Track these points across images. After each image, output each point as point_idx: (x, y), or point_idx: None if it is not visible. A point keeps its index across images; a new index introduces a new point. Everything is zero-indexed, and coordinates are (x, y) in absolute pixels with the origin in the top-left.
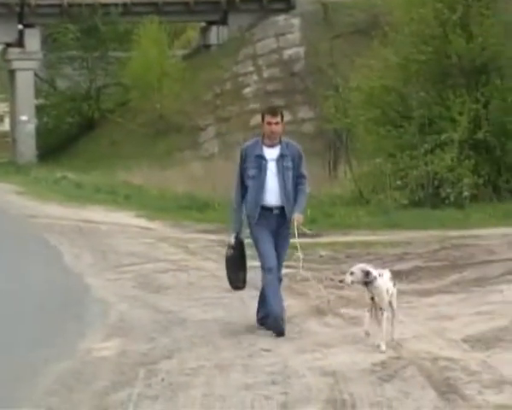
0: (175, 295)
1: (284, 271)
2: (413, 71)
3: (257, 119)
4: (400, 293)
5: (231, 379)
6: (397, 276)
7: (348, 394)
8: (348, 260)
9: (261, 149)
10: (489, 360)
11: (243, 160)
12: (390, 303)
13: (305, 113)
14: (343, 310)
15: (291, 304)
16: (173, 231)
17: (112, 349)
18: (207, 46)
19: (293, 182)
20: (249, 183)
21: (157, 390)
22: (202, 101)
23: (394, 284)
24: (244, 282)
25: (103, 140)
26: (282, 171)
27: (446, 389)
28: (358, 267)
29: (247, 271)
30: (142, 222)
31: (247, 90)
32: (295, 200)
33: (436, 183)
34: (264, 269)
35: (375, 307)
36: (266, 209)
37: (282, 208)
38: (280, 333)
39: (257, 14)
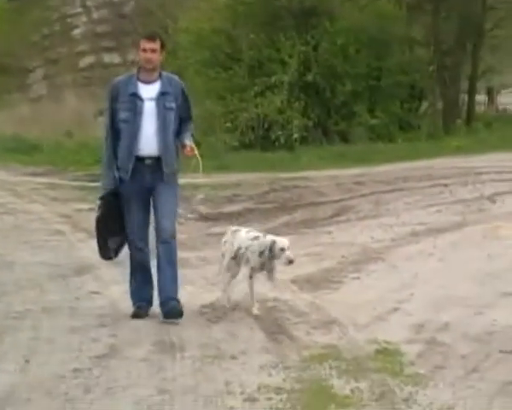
0: (2, 239)
1: None
2: (241, 12)
3: (86, 60)
4: None
5: (58, 322)
6: (227, 218)
7: (176, 336)
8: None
9: (136, 86)
10: (317, 300)
11: (114, 99)
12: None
13: (134, 55)
14: None
15: None
16: (0, 174)
17: None
18: None
19: (176, 127)
20: (121, 128)
21: None
22: (30, 42)
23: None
24: (116, 250)
25: None
26: (162, 113)
27: (275, 329)
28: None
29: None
30: None
31: (75, 32)
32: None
33: (266, 125)
34: (129, 240)
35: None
36: (140, 160)
37: (157, 159)
38: (136, 315)
39: None
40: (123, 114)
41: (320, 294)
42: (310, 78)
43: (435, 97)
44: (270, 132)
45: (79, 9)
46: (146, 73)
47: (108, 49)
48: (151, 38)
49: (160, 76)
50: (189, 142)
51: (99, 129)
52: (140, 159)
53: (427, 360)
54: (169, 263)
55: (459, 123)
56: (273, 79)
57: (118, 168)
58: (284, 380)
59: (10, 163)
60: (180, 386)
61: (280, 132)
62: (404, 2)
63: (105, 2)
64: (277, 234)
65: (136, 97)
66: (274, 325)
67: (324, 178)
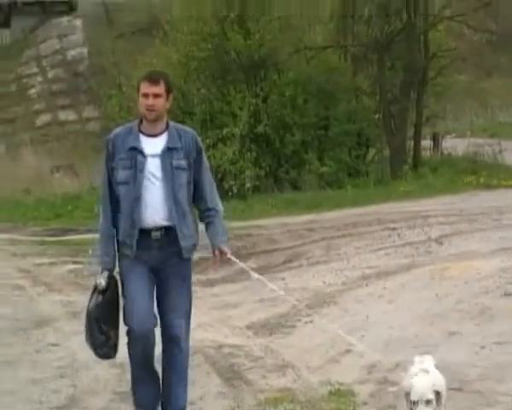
0: None
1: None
2: (193, 68)
3: (42, 118)
4: None
5: (19, 374)
6: None
7: None
8: None
9: (137, 139)
10: (272, 345)
11: (110, 157)
12: None
13: (89, 112)
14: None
15: (78, 300)
16: None
17: None
18: None
19: (189, 190)
20: (121, 192)
21: None
22: None
23: None
24: (115, 347)
25: None
26: (170, 172)
27: (231, 375)
28: None
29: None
30: None
31: (31, 91)
32: (205, 221)
33: (219, 176)
34: (129, 332)
35: None
36: (145, 233)
37: (166, 231)
38: None
39: (40, 17)
40: (121, 174)
41: (274, 338)
42: (260, 129)
43: (382, 144)
44: (224, 183)
45: (35, 70)
46: (149, 123)
47: (64, 107)
48: (153, 80)
49: (168, 127)
50: (224, 248)
51: (56, 185)
52: (144, 231)
53: (379, 399)
54: (178, 373)
55: (406, 168)
56: (225, 131)
57: (119, 243)
58: None
59: None
60: None
61: (233, 182)
62: (349, 53)
63: (60, 61)
64: (232, 282)
65: (136, 152)
66: (230, 370)
67: (276, 225)
